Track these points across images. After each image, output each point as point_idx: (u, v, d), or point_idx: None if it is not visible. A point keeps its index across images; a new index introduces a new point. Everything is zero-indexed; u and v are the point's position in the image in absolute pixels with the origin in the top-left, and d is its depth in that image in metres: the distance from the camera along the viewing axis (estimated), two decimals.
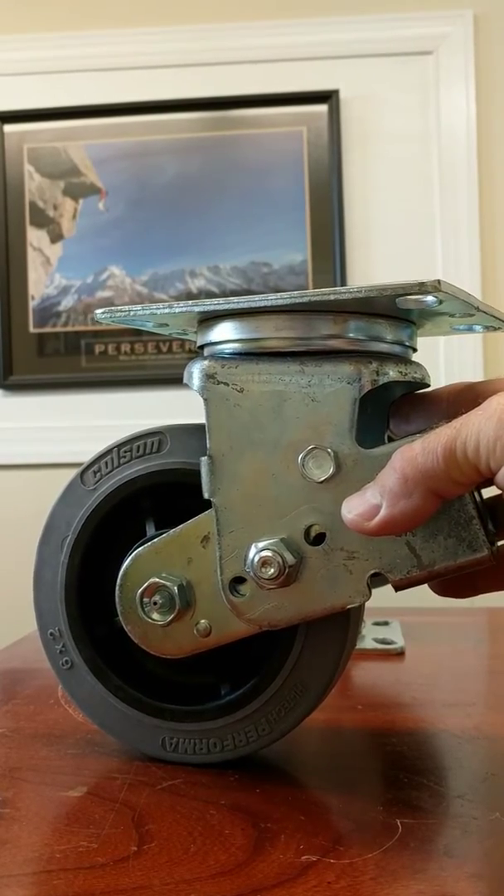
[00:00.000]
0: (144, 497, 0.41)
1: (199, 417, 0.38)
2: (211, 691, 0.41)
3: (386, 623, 0.71)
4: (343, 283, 1.44)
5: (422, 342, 0.40)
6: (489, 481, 0.31)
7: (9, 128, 1.51)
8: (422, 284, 0.31)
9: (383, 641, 0.65)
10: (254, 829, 0.34)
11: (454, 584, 0.38)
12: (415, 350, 0.39)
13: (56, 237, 1.51)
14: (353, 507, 0.33)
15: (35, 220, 1.51)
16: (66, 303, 1.50)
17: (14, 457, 1.45)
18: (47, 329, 1.51)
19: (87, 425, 1.44)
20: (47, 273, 1.51)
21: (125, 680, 0.42)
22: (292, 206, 1.47)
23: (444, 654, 0.65)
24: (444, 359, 1.43)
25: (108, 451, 0.41)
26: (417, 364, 0.38)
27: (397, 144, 1.46)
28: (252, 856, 0.32)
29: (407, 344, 0.38)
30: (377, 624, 0.70)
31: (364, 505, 0.33)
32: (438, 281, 0.31)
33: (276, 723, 0.39)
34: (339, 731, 0.47)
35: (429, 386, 0.39)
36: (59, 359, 1.50)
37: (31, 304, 1.51)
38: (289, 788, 0.38)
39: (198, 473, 0.38)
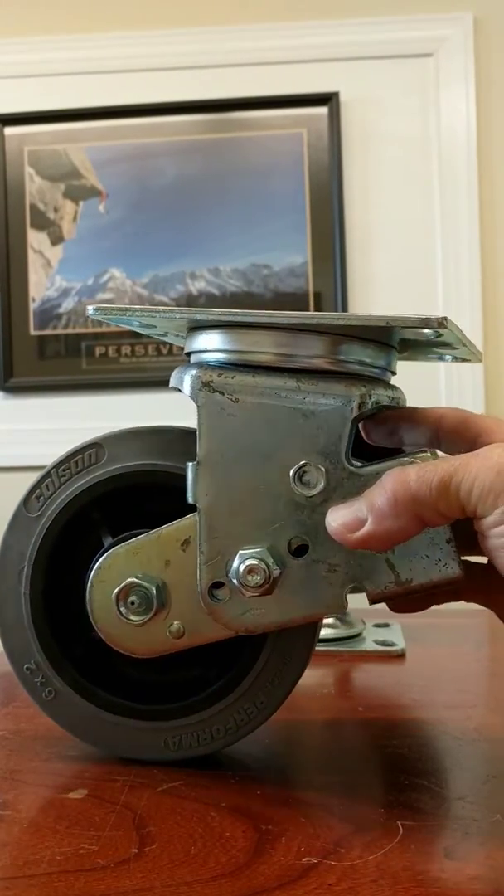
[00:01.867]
0: (94, 509, 0.41)
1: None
2: (200, 682, 0.42)
3: (386, 625, 0.71)
4: (343, 285, 1.44)
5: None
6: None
7: (9, 130, 1.51)
8: (427, 319, 0.33)
9: (384, 643, 0.65)
10: (255, 831, 0.34)
11: (410, 601, 0.40)
12: (394, 374, 0.40)
13: (56, 239, 1.51)
14: (339, 517, 0.34)
15: (35, 222, 1.52)
16: (67, 305, 1.51)
17: (14, 459, 1.45)
18: (48, 331, 1.51)
19: (88, 427, 1.42)
20: (48, 275, 1.51)
21: (114, 693, 0.42)
22: (292, 208, 1.47)
23: (445, 656, 0.65)
24: (444, 384, 1.43)
25: (47, 474, 0.41)
26: (397, 388, 0.39)
27: (397, 146, 1.46)
28: (253, 858, 0.32)
29: (389, 368, 0.39)
30: (378, 626, 0.70)
31: (350, 517, 0.34)
32: (445, 318, 0.33)
33: (272, 693, 0.40)
34: (339, 733, 0.47)
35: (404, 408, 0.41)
36: (60, 361, 1.50)
37: (32, 306, 1.51)
38: (289, 790, 0.38)
39: (143, 474, 0.39)
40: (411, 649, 0.64)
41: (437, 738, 0.46)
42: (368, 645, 0.64)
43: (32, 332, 1.51)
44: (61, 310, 1.51)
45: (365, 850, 0.32)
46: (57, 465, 0.41)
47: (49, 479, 0.41)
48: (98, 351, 1.49)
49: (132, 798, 0.38)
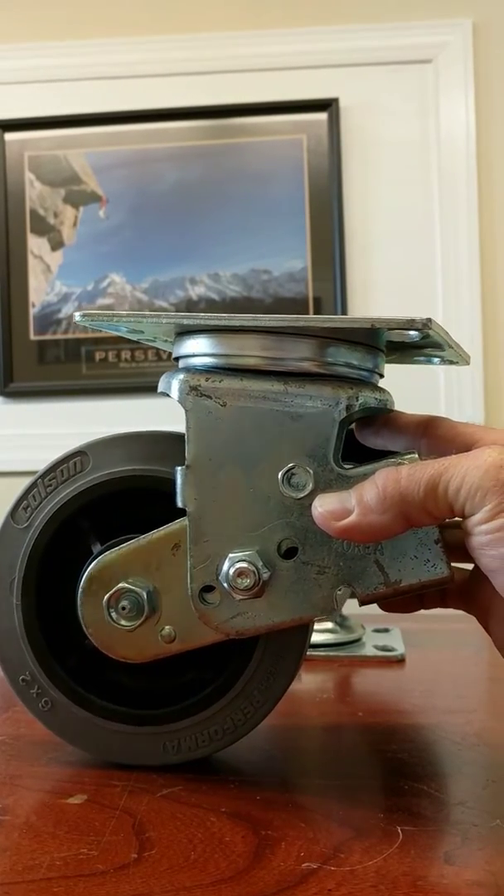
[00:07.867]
0: (81, 518, 0.41)
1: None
2: (195, 684, 0.41)
3: (386, 630, 0.71)
4: (343, 290, 1.45)
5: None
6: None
7: (10, 136, 1.51)
8: (412, 321, 0.33)
9: (384, 648, 0.65)
10: (254, 836, 0.34)
11: (400, 601, 0.40)
12: (382, 376, 0.40)
13: (56, 245, 1.52)
14: (326, 504, 0.35)
15: (36, 227, 1.52)
16: (67, 310, 1.51)
17: (14, 464, 1.45)
18: (48, 336, 1.51)
19: (88, 432, 1.42)
20: (48, 280, 1.51)
21: (110, 700, 0.41)
22: (292, 213, 1.47)
23: (445, 660, 0.65)
24: (444, 388, 1.43)
25: (34, 484, 0.41)
26: (385, 390, 0.39)
27: (397, 152, 1.46)
28: (252, 863, 0.32)
29: (376, 371, 0.39)
30: (377, 631, 0.70)
31: (337, 505, 0.34)
32: (429, 319, 0.33)
33: (268, 690, 0.40)
34: (339, 737, 0.47)
35: (391, 411, 0.41)
36: (60, 366, 1.50)
37: (32, 311, 1.51)
38: (289, 795, 0.38)
39: (128, 480, 0.39)
40: (411, 654, 0.64)
41: (437, 742, 0.45)
42: (368, 650, 0.64)
43: (32, 337, 1.51)
44: (61, 315, 1.51)
45: (364, 855, 0.32)
46: (43, 475, 0.41)
47: (35, 490, 0.41)
48: (98, 356, 1.49)
49: (131, 803, 0.38)
